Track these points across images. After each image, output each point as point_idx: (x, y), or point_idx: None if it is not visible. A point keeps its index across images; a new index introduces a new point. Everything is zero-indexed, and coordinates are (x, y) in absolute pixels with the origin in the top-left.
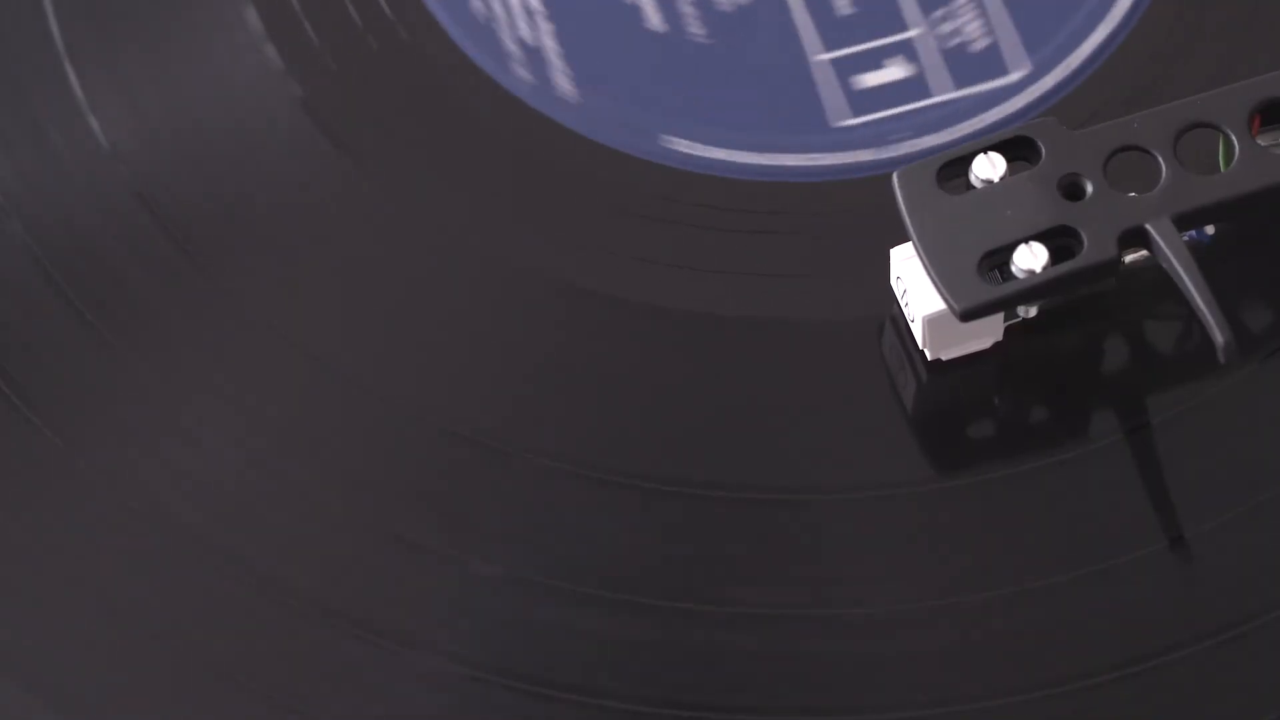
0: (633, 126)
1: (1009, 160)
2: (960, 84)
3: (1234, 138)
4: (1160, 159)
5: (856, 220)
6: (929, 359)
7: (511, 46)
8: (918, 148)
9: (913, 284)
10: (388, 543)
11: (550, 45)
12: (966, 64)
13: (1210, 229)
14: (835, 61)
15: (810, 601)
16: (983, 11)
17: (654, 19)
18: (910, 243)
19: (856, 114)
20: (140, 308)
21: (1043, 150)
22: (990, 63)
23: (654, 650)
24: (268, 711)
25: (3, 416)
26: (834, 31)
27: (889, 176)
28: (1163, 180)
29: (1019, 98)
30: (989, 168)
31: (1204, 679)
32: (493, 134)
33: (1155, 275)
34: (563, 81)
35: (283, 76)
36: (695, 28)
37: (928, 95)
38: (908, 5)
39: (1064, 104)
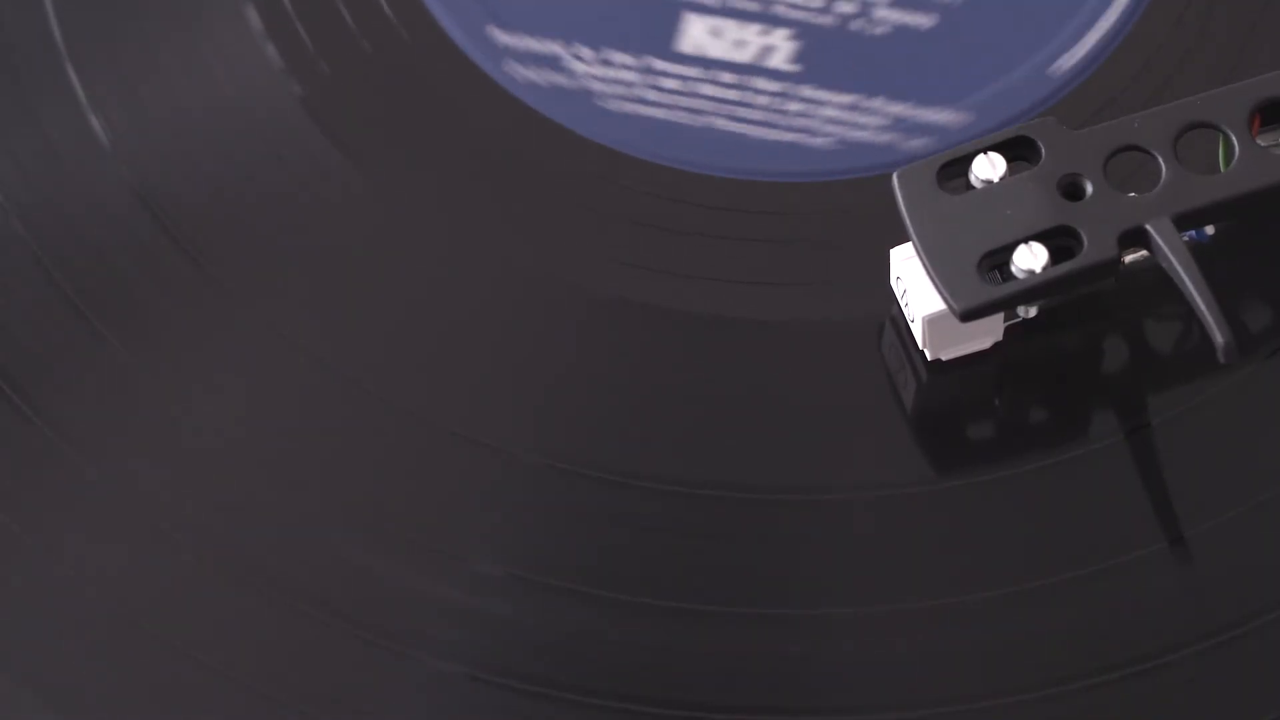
0: (630, 126)
1: (1009, 160)
2: None
3: (1234, 138)
4: (1160, 159)
5: (856, 220)
6: (929, 359)
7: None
8: (915, 149)
9: (913, 284)
10: (387, 543)
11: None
12: None
13: (1209, 228)
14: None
15: (809, 602)
16: None
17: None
18: (910, 243)
19: None
20: (140, 307)
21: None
22: None
23: (654, 650)
24: (268, 712)
25: (3, 416)
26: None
27: (889, 176)
28: (1163, 180)
29: None
30: (989, 168)
31: (1204, 679)
32: (493, 134)
33: (1155, 275)
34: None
35: (283, 76)
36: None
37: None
38: None
39: (1064, 104)
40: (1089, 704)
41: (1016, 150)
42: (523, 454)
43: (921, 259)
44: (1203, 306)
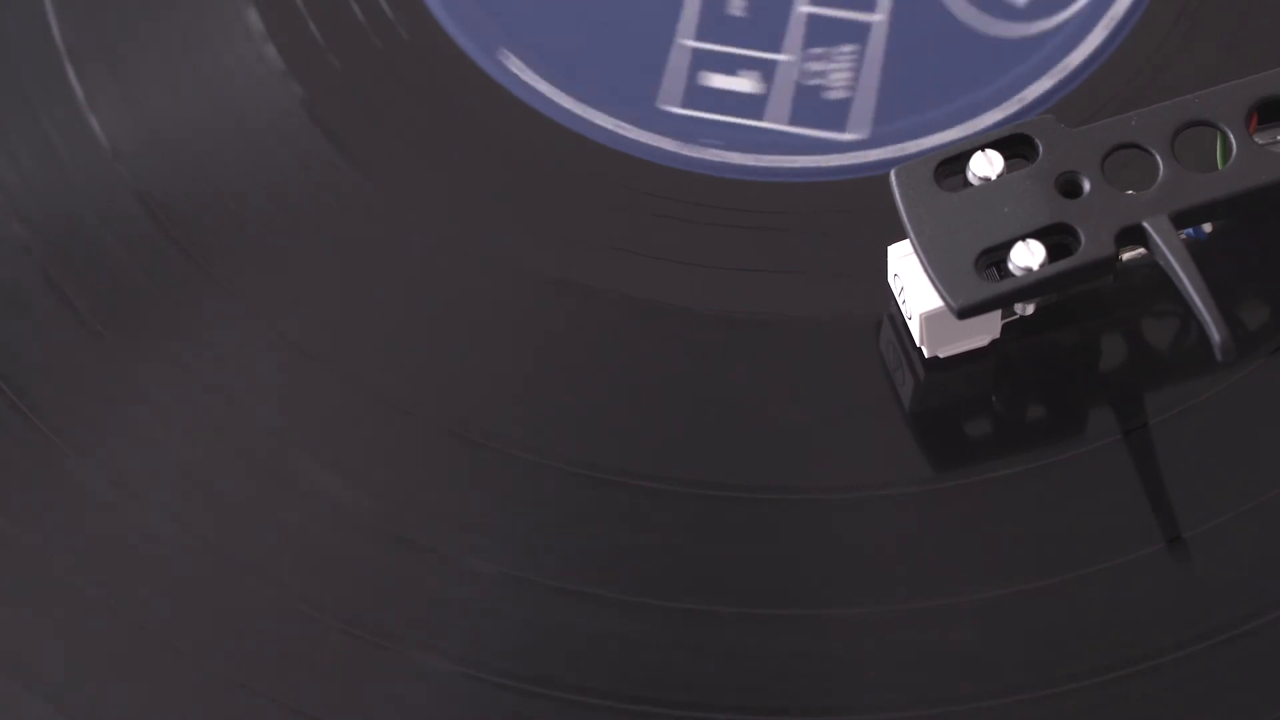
0: (629, 125)
1: (1007, 157)
2: (794, 121)
3: (1231, 135)
4: (1158, 157)
5: (854, 217)
6: (926, 356)
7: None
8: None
9: (910, 281)
10: (388, 543)
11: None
12: (812, 106)
13: (1207, 226)
14: (695, 51)
15: (809, 601)
16: (856, 69)
17: None
18: (908, 240)
19: (683, 105)
20: (140, 308)
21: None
22: (834, 115)
23: (654, 650)
24: (268, 711)
25: (3, 416)
26: (712, 25)
27: (887, 174)
28: (1160, 178)
29: (840, 156)
30: (987, 165)
31: (1204, 679)
32: (493, 134)
33: (1153, 273)
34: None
35: (283, 76)
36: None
37: (758, 117)
38: (792, 32)
39: (1063, 102)
40: (1089, 704)
41: (1014, 148)
42: (522, 454)
43: (919, 256)
44: (1200, 304)
